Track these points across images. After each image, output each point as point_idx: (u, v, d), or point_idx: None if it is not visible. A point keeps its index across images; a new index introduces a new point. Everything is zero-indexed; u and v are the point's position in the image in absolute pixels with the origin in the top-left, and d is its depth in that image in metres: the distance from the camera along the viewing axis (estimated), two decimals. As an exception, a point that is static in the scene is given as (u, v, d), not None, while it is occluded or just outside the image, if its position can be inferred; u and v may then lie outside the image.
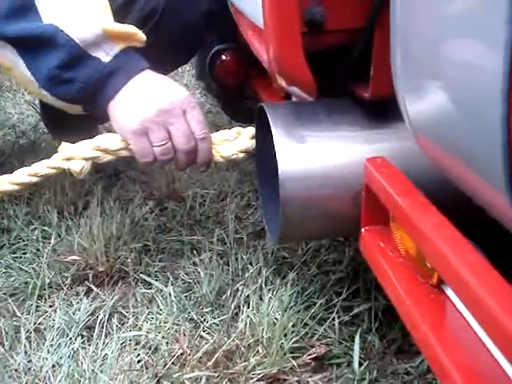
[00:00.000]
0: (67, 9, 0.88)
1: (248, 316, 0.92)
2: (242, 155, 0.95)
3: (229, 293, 0.99)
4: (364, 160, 0.69)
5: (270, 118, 0.78)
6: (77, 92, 0.89)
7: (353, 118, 0.80)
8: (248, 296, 0.98)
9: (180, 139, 0.89)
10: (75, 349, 0.90)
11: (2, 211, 1.24)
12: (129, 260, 1.08)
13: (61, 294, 1.02)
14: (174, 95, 0.88)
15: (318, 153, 0.77)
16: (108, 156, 0.92)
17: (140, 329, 0.94)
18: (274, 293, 0.96)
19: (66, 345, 0.91)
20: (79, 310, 0.98)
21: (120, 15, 0.93)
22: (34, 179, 0.94)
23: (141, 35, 0.91)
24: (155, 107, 0.87)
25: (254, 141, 0.94)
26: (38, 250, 1.13)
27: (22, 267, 1.09)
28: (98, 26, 0.86)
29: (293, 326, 0.90)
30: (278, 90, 0.92)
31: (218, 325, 0.93)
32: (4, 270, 1.09)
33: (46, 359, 0.88)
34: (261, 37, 0.88)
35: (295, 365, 0.85)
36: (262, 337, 0.88)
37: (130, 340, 0.92)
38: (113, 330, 0.94)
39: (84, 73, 0.87)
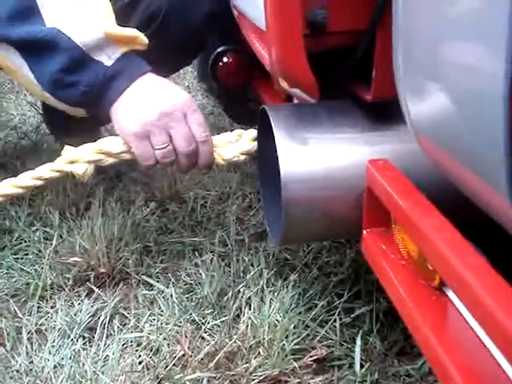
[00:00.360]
0: (70, 12, 0.88)
1: (249, 318, 0.92)
2: (243, 157, 0.95)
3: (230, 294, 0.99)
4: (366, 162, 0.69)
5: (272, 120, 0.79)
6: (80, 95, 0.89)
7: (355, 120, 0.80)
8: (249, 298, 0.98)
9: (181, 142, 0.89)
10: (77, 350, 0.90)
11: (4, 212, 1.25)
12: (130, 261, 1.09)
13: (62, 295, 1.03)
14: (175, 98, 0.89)
15: (320, 155, 0.77)
16: (110, 159, 0.93)
17: (141, 330, 0.94)
18: (276, 294, 0.96)
19: (67, 346, 0.91)
20: (81, 311, 0.98)
21: (123, 17, 0.94)
22: (38, 182, 0.94)
23: (143, 38, 0.91)
24: (157, 110, 0.87)
25: (255, 143, 0.94)
26: (40, 251, 1.13)
27: (24, 268, 1.09)
28: (100, 30, 0.87)
29: (294, 327, 0.90)
30: (280, 91, 0.92)
31: (219, 326, 0.93)
32: (6, 271, 1.10)
33: (48, 360, 0.88)
34: (263, 39, 0.89)
35: (296, 366, 0.85)
36: (264, 338, 0.88)
37: (132, 341, 0.92)
38: (114, 332, 0.94)
39: (87, 76, 0.88)
